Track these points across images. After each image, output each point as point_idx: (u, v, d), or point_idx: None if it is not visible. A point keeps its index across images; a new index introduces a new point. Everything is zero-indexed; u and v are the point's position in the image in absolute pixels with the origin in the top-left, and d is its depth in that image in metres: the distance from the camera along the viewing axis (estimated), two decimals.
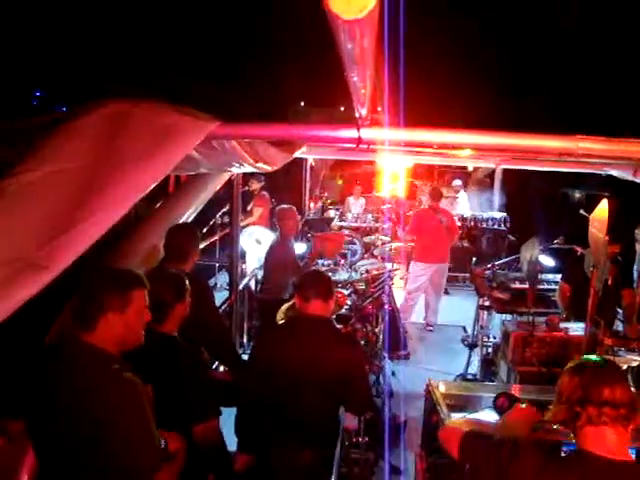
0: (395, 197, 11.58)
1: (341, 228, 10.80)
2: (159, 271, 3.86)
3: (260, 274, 7.21)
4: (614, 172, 4.90)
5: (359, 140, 2.40)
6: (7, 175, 1.60)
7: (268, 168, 4.17)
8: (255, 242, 8.61)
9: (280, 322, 4.67)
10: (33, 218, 1.55)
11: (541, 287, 6.67)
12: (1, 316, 1.38)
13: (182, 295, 3.25)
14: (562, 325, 5.16)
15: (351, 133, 2.37)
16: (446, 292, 10.57)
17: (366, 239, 10.12)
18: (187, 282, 3.29)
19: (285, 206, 6.87)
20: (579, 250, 7.05)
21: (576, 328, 5.04)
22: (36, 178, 1.63)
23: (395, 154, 5.25)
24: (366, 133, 2.37)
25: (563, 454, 2.81)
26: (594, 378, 2.12)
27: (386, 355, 6.20)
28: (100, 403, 2.26)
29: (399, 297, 8.25)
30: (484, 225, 11.56)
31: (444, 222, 8.49)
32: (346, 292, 5.99)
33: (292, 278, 5.90)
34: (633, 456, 2.26)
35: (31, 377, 2.40)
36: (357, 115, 2.39)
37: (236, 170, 4.36)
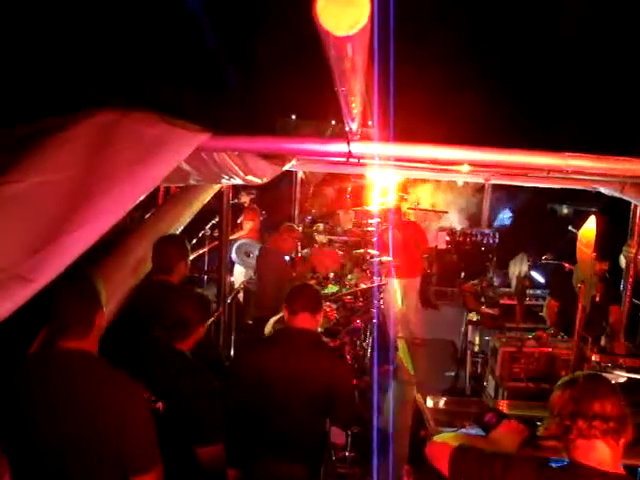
0: (384, 211, 11.59)
1: (330, 241, 10.79)
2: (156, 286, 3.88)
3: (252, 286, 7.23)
4: (602, 189, 4.94)
5: (349, 154, 2.40)
6: None
7: (258, 181, 4.17)
8: (244, 255, 8.60)
9: (267, 334, 4.66)
10: (18, 230, 1.53)
11: (529, 303, 6.69)
12: None
13: (206, 317, 3.32)
14: (550, 341, 5.17)
15: (341, 147, 2.38)
16: (435, 307, 10.57)
17: (355, 252, 10.11)
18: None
19: (287, 224, 6.94)
20: (567, 266, 7.08)
21: (564, 344, 5.06)
22: (21, 189, 1.61)
23: (385, 168, 5.26)
24: (356, 147, 2.37)
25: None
26: (584, 392, 2.13)
27: (374, 369, 6.19)
28: (102, 406, 2.31)
29: (388, 312, 8.24)
30: (473, 240, 11.59)
31: (409, 237, 8.49)
32: (335, 306, 5.97)
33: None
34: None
35: (13, 390, 2.38)
36: (347, 129, 2.40)
37: (226, 182, 4.35)
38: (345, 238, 11.26)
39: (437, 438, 2.65)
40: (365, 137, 2.73)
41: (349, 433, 4.56)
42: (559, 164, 2.54)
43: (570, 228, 8.91)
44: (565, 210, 15.28)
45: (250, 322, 7.35)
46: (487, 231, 11.68)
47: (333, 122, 13.32)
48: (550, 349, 5.00)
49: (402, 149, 2.46)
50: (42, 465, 2.36)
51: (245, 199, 9.84)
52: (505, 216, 12.81)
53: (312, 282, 6.00)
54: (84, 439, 2.32)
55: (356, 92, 1.69)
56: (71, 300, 2.41)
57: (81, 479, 2.38)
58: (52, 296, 2.37)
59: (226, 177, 3.56)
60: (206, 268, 8.03)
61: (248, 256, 8.56)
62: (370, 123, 3.39)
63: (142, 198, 2.06)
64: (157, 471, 2.41)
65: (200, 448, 2.96)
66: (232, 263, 8.34)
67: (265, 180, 4.33)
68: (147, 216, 4.68)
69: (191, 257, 4.42)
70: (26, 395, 2.35)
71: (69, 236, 1.63)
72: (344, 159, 2.55)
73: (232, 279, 8.04)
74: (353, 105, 1.90)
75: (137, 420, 2.38)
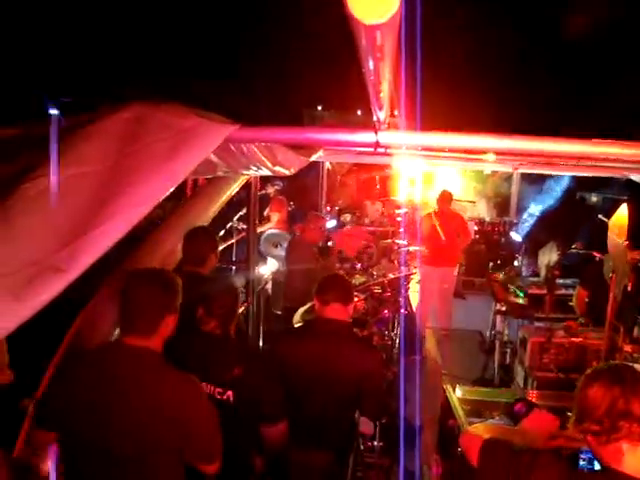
0: (412, 201, 11.56)
1: None
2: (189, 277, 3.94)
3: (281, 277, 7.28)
4: (633, 176, 4.86)
5: (377, 144, 2.39)
6: (26, 179, 1.61)
7: (286, 172, 4.18)
8: (272, 246, 8.63)
9: (297, 325, 4.68)
10: (52, 221, 1.56)
11: (559, 292, 6.62)
12: (21, 319, 1.38)
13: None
14: (580, 331, 5.11)
15: (369, 137, 2.36)
16: (462, 297, 10.51)
17: (382, 243, 10.11)
18: None
19: (312, 213, 6.93)
20: (597, 255, 7.00)
21: (595, 334, 5.00)
22: (55, 182, 1.64)
23: (413, 158, 5.24)
24: (384, 137, 2.35)
25: (582, 462, 2.79)
26: (635, 389, 1.97)
27: (402, 360, 6.18)
28: (167, 402, 2.36)
29: (415, 301, 8.24)
30: (501, 229, 11.51)
31: (451, 226, 8.48)
32: (362, 296, 5.98)
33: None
34: None
35: (72, 382, 2.41)
36: (375, 118, 2.39)
37: (254, 173, 4.37)
38: (372, 228, 11.26)
39: (471, 429, 2.64)
40: (392, 127, 2.72)
41: (377, 423, 4.56)
42: (589, 151, 2.50)
43: (600, 217, 8.81)
44: (594, 198, 15.04)
45: (279, 313, 7.40)
46: (515, 220, 11.59)
47: (359, 112, 13.30)
48: (580, 339, 4.94)
49: (430, 138, 2.44)
50: (99, 457, 2.38)
51: (271, 190, 9.88)
52: (534, 210, 12.64)
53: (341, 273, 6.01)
54: (147, 431, 2.36)
55: (384, 81, 1.69)
56: (144, 298, 2.44)
57: (140, 471, 2.41)
58: (124, 292, 2.44)
59: (254, 168, 3.57)
60: (234, 259, 8.07)
61: (276, 247, 8.58)
62: (396, 113, 3.38)
63: (172, 189, 2.09)
64: (219, 462, 2.51)
65: (266, 428, 3.05)
66: (263, 254, 8.38)
67: (293, 171, 4.34)
68: (176, 208, 4.71)
69: (219, 248, 4.46)
70: (88, 388, 2.37)
71: (101, 227, 1.66)
72: (371, 149, 2.55)
73: (262, 270, 8.06)
74: (381, 94, 1.89)
75: (202, 415, 2.45)
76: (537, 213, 12.25)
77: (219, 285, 3.36)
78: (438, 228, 8.47)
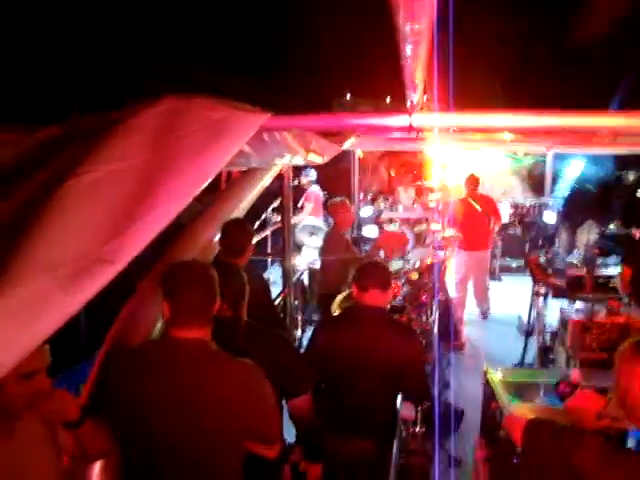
0: (445, 186, 11.48)
1: (391, 219, 10.76)
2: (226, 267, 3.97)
3: (316, 266, 7.30)
4: None
5: (410, 127, 2.38)
6: (70, 176, 1.64)
7: (319, 159, 4.19)
8: (308, 235, 8.66)
9: (335, 313, 4.68)
10: (97, 216, 1.59)
11: (599, 272, 6.52)
12: (70, 314, 1.41)
13: None
14: (623, 310, 5.04)
15: (403, 120, 2.35)
16: (499, 279, 10.44)
17: (417, 229, 10.06)
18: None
19: (337, 200, 6.90)
20: (638, 234, 6.88)
21: (638, 313, 4.93)
22: (98, 177, 1.67)
23: (445, 141, 5.19)
24: (417, 119, 2.34)
25: (630, 443, 2.75)
26: None
27: (441, 345, 6.16)
28: (240, 391, 2.40)
29: (452, 286, 8.20)
30: (536, 211, 11.36)
31: (482, 209, 8.40)
32: (399, 282, 5.96)
33: (350, 271, 6.01)
34: None
35: (126, 376, 2.45)
36: (408, 101, 2.38)
37: (287, 162, 4.39)
38: (406, 215, 11.22)
39: (515, 410, 2.63)
40: (425, 110, 2.71)
41: (419, 409, 4.56)
42: (628, 124, 2.45)
43: (639, 194, 8.65)
44: (631, 177, 14.75)
45: (315, 302, 7.43)
46: (550, 202, 11.43)
47: (388, 100, 13.23)
48: (623, 318, 4.87)
49: (464, 118, 2.42)
50: (159, 450, 2.40)
51: (305, 181, 9.91)
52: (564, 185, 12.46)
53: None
54: (216, 420, 2.37)
55: (419, 64, 1.68)
56: (195, 292, 2.46)
57: (209, 461, 2.43)
58: (172, 287, 2.47)
59: (288, 157, 3.59)
60: (269, 250, 8.13)
61: (311, 236, 8.62)
62: (427, 97, 3.36)
63: (209, 181, 2.11)
64: (279, 444, 2.63)
65: (290, 400, 3.06)
66: (298, 245, 8.42)
67: (326, 159, 4.35)
68: (212, 201, 4.76)
69: (254, 240, 4.50)
70: (145, 382, 2.39)
71: (143, 220, 1.69)
72: (406, 133, 2.54)
73: (297, 260, 8.09)
74: (416, 76, 1.89)
75: (266, 398, 2.48)
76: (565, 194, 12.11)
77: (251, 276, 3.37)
78: (480, 211, 8.38)
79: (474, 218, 8.35)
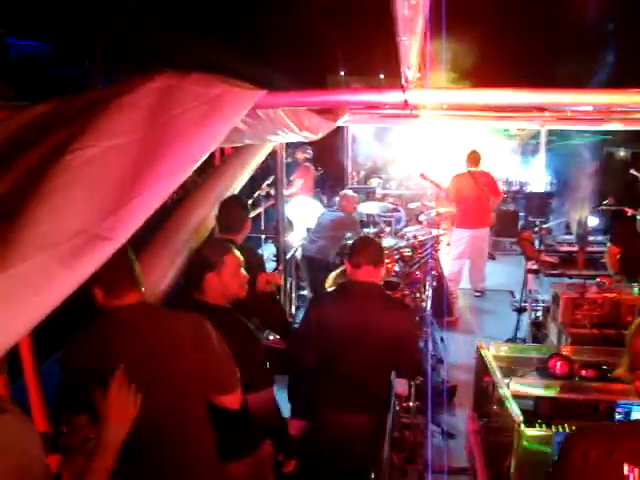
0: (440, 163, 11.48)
1: (384, 196, 10.77)
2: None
3: (309, 235, 7.53)
4: None
5: (405, 103, 2.37)
6: (67, 151, 1.64)
7: (312, 136, 4.18)
8: (299, 211, 8.65)
9: (330, 289, 4.71)
10: (95, 192, 1.60)
11: (590, 249, 6.57)
12: (72, 288, 1.43)
13: None
14: (614, 286, 5.08)
15: (397, 96, 2.35)
16: (492, 257, 10.46)
17: (410, 205, 10.08)
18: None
19: (349, 194, 7.61)
20: (629, 211, 6.91)
21: (629, 289, 4.97)
22: (95, 153, 1.67)
23: (439, 118, 5.18)
24: (412, 95, 2.34)
25: (618, 415, 2.80)
26: None
27: (434, 321, 6.21)
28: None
29: (446, 263, 8.22)
30: (529, 188, 11.36)
31: (482, 186, 8.34)
32: (393, 259, 5.99)
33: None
34: None
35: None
36: (403, 78, 2.37)
37: (281, 139, 4.38)
38: (400, 192, 11.22)
39: None
40: (420, 86, 2.70)
41: (412, 384, 4.61)
42: (622, 101, 2.45)
43: (632, 172, 8.67)
44: (622, 153, 14.75)
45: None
46: (544, 179, 11.42)
47: (382, 76, 13.17)
48: (614, 294, 4.91)
49: (459, 95, 2.41)
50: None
51: (300, 156, 9.87)
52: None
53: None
54: (173, 376, 2.46)
55: (415, 38, 1.68)
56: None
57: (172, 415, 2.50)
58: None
59: (282, 134, 3.58)
60: (263, 228, 8.11)
61: (300, 213, 8.60)
62: (419, 75, 3.35)
63: (204, 158, 2.11)
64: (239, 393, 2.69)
65: (248, 396, 3.03)
66: (289, 220, 8.43)
67: (320, 135, 4.34)
68: (205, 178, 4.75)
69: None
70: (110, 347, 2.40)
71: (141, 197, 1.69)
72: (399, 110, 2.54)
73: (291, 238, 8.10)
74: (411, 52, 1.88)
75: (214, 343, 2.55)
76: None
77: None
78: (481, 188, 8.30)
79: (474, 195, 8.25)
